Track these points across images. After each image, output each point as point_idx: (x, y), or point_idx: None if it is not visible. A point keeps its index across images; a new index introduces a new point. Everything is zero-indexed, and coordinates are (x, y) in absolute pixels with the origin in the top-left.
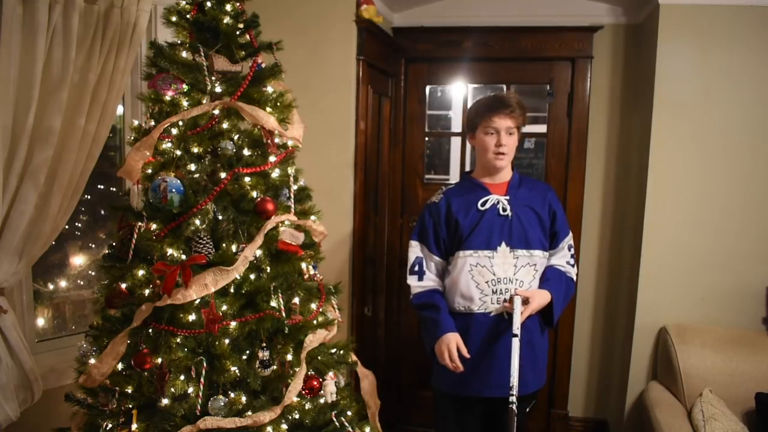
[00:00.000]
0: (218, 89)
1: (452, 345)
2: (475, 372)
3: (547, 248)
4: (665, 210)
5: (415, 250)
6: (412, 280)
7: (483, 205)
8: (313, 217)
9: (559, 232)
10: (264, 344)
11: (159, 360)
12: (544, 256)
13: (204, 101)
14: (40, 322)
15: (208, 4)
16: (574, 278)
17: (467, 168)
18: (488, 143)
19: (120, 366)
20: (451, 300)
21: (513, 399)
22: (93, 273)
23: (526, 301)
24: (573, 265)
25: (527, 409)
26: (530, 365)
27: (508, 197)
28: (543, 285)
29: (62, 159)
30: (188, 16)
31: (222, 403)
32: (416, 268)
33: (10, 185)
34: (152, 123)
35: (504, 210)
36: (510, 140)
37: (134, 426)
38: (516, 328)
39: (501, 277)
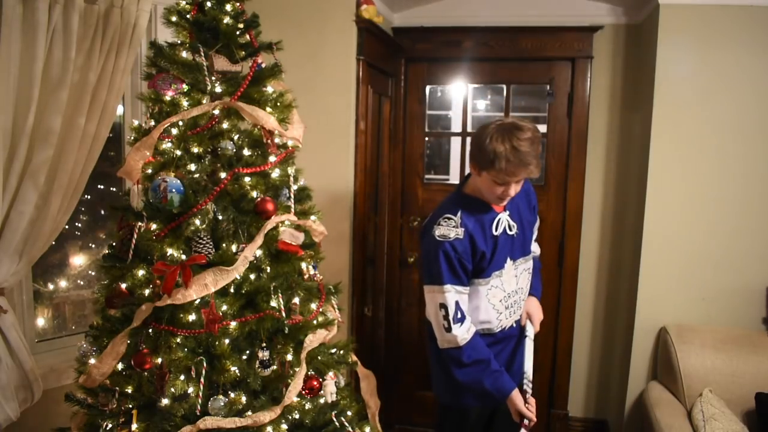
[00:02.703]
0: (218, 89)
1: (521, 405)
2: None
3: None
4: (665, 210)
5: (451, 294)
6: (457, 329)
7: (496, 229)
8: (313, 217)
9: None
10: (264, 344)
11: (159, 360)
12: (534, 251)
13: (204, 101)
14: (40, 322)
15: (208, 4)
16: (539, 252)
17: (467, 169)
18: (495, 191)
19: (120, 366)
20: None
21: (528, 384)
22: (93, 273)
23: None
24: (536, 240)
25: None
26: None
27: (508, 212)
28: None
29: (62, 159)
30: (188, 16)
31: (222, 403)
32: (459, 315)
33: (10, 185)
34: (152, 123)
35: (511, 229)
36: (517, 187)
37: (134, 426)
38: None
39: (509, 292)
